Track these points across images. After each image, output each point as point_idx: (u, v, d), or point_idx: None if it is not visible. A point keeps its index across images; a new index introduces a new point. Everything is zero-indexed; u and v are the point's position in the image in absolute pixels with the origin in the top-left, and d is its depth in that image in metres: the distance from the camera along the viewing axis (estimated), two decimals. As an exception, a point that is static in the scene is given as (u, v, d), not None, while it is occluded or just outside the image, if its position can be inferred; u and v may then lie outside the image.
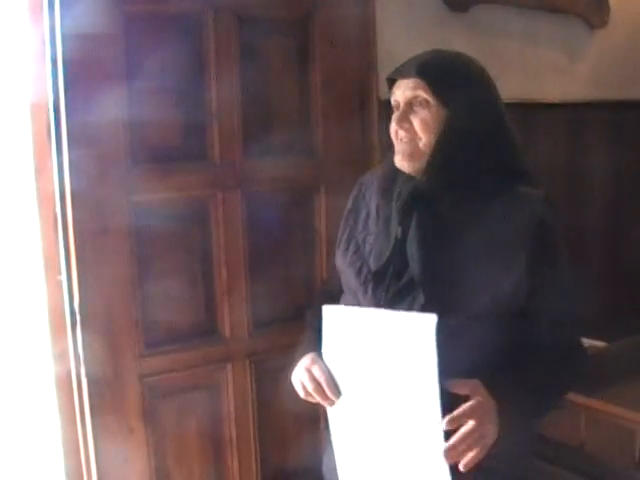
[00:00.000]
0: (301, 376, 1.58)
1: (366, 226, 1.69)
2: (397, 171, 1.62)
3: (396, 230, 1.56)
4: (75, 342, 2.34)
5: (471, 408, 1.37)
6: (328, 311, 1.55)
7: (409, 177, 1.60)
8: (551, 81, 3.37)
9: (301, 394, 1.60)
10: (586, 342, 3.18)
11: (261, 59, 2.57)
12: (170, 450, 2.53)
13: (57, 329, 2.46)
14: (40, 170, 2.41)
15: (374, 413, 1.49)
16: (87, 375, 2.34)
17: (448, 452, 1.36)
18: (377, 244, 1.62)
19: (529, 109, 3.27)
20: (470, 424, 1.36)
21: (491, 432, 1.38)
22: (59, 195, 2.30)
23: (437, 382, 1.37)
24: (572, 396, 2.33)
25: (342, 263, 1.71)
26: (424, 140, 1.55)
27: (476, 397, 1.38)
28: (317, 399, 1.56)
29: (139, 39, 2.33)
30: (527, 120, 3.29)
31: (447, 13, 2.98)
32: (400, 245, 1.55)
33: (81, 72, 2.23)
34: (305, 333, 1.75)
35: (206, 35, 2.45)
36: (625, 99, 3.63)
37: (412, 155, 1.57)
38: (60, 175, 2.29)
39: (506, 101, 3.12)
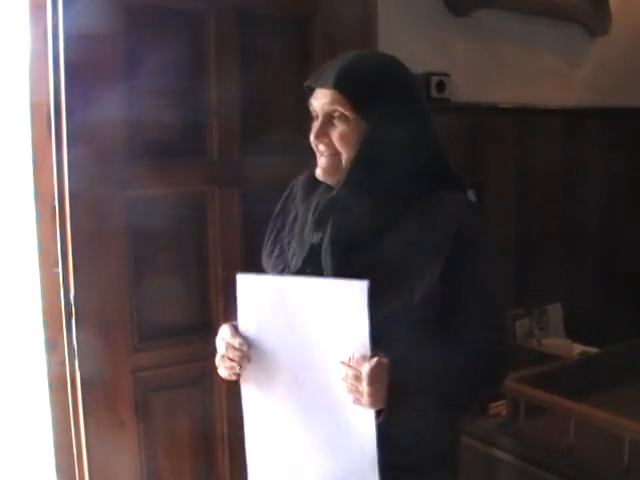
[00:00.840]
0: (217, 345, 1.60)
1: (292, 229, 1.68)
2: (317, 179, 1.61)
3: (311, 237, 1.57)
4: (69, 334, 2.36)
5: (360, 360, 1.38)
6: (243, 279, 1.53)
7: (329, 186, 1.59)
8: (550, 87, 3.40)
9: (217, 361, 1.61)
10: (579, 347, 3.23)
11: (262, 58, 2.60)
12: (161, 444, 2.54)
13: (51, 321, 2.47)
14: (39, 163, 2.41)
15: (297, 381, 1.51)
16: (80, 367, 2.35)
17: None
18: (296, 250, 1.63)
19: (527, 114, 3.30)
20: (352, 370, 1.39)
21: (367, 397, 1.38)
22: (57, 187, 2.32)
23: (369, 347, 1.39)
24: (562, 401, 2.34)
25: (266, 265, 1.71)
26: (344, 155, 1.53)
27: (375, 359, 1.38)
28: (231, 361, 1.56)
29: (139, 36, 2.35)
30: (524, 125, 3.32)
31: (448, 16, 3.01)
32: (317, 251, 1.55)
33: (81, 68, 2.25)
34: None
35: (207, 33, 2.47)
36: (623, 106, 3.65)
37: (333, 170, 1.55)
38: (59, 168, 2.30)
39: (504, 105, 3.21)
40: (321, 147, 1.55)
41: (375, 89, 1.51)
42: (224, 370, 1.60)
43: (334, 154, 1.54)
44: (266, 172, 2.57)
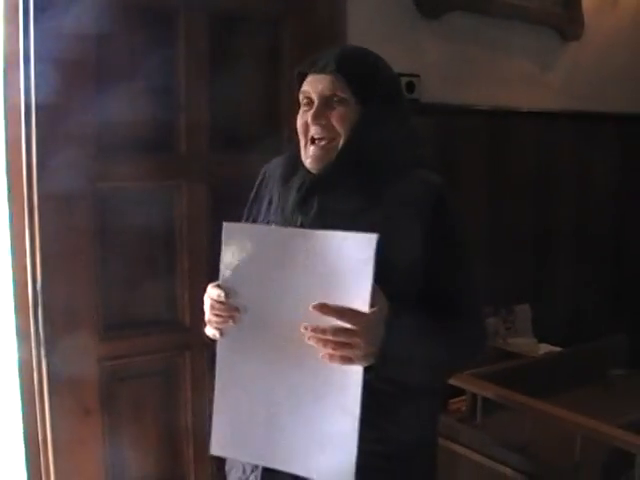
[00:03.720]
0: (204, 305, 1.56)
1: (268, 214, 1.69)
2: (298, 161, 1.64)
3: (295, 219, 1.58)
4: (36, 323, 2.40)
5: (356, 312, 1.37)
6: (230, 228, 1.49)
7: (308, 171, 1.61)
8: (522, 90, 3.43)
9: (205, 318, 1.55)
10: (545, 347, 3.28)
11: (231, 56, 2.64)
12: (126, 434, 2.58)
13: (22, 311, 2.50)
14: (13, 162, 2.43)
15: (282, 335, 1.45)
16: (46, 356, 2.39)
17: (306, 326, 1.38)
18: None
19: (498, 116, 3.33)
20: (345, 325, 1.36)
21: (361, 350, 1.37)
22: (26, 180, 2.36)
23: (369, 304, 1.37)
24: (517, 397, 2.39)
25: None
26: (342, 135, 1.56)
27: (372, 310, 1.38)
28: (217, 317, 1.51)
29: (110, 33, 2.38)
30: (496, 127, 3.35)
31: (419, 18, 3.03)
32: None
33: (52, 67, 2.28)
34: None
35: (177, 30, 2.52)
36: (595, 111, 3.69)
37: (326, 158, 1.57)
38: (28, 163, 2.35)
39: (476, 107, 3.24)
40: (317, 130, 1.57)
41: (373, 76, 1.58)
42: (210, 328, 1.56)
43: (329, 139, 1.56)
44: (234, 168, 2.61)
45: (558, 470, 2.24)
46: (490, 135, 3.34)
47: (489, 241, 3.40)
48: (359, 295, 1.37)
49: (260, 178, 1.79)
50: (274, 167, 1.76)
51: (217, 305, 1.51)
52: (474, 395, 2.52)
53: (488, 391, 2.47)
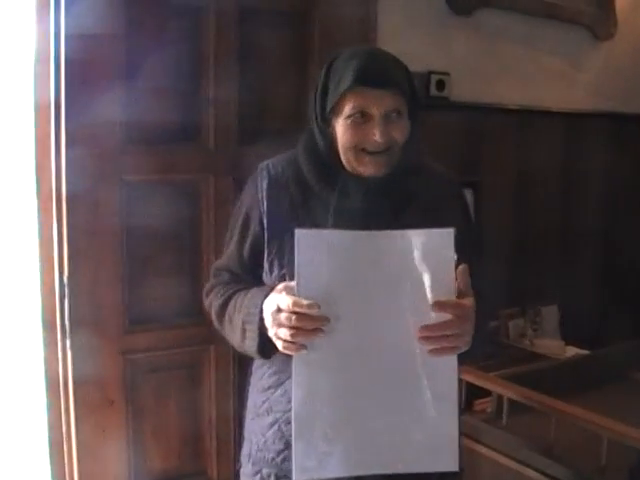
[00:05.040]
0: (278, 319, 1.45)
1: (294, 215, 1.65)
2: (334, 165, 1.63)
3: (363, 223, 1.53)
4: (62, 314, 2.42)
5: (461, 304, 1.43)
6: (303, 234, 1.42)
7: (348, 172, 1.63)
8: (552, 89, 3.41)
9: (284, 335, 1.43)
10: (572, 350, 3.25)
11: (261, 51, 2.64)
12: (149, 425, 2.59)
13: (48, 302, 2.51)
14: (41, 157, 2.44)
15: (373, 340, 1.44)
16: (72, 347, 2.41)
17: (424, 329, 1.40)
18: None
19: (528, 115, 3.31)
20: (453, 317, 1.41)
21: (468, 337, 1.45)
22: (54, 171, 2.37)
23: (454, 292, 1.42)
24: (543, 398, 2.37)
25: (273, 256, 1.65)
26: (399, 143, 1.60)
27: (469, 298, 1.45)
28: (299, 331, 1.41)
29: (140, 28, 2.40)
30: (525, 126, 3.33)
31: (450, 15, 3.02)
32: None
33: (82, 65, 2.32)
34: (237, 305, 1.66)
35: (207, 23, 2.52)
36: (626, 112, 3.66)
37: (386, 166, 1.60)
38: (57, 156, 2.36)
39: (505, 106, 3.22)
40: (380, 145, 1.57)
41: (417, 88, 1.65)
42: (290, 344, 1.43)
43: (386, 149, 1.58)
44: (261, 162, 2.59)
45: (583, 473, 2.21)
46: (519, 134, 3.33)
47: (516, 241, 3.38)
48: (446, 285, 1.43)
49: (266, 180, 1.72)
50: (278, 168, 1.73)
51: (303, 317, 1.40)
52: (500, 396, 2.50)
53: (514, 392, 2.45)
